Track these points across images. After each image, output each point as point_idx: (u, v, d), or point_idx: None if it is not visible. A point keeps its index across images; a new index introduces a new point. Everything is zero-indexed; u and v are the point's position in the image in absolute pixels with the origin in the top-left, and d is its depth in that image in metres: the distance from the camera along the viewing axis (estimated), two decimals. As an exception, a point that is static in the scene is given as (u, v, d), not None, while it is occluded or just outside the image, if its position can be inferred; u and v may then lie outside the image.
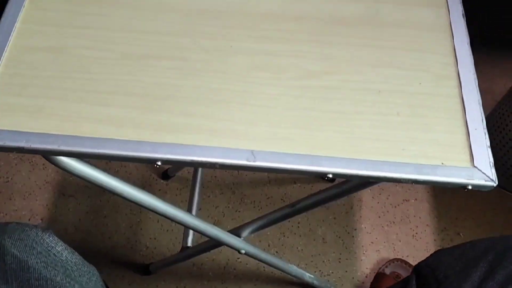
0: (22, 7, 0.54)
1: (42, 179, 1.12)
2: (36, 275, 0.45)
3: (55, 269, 0.47)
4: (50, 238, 0.50)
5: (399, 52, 0.54)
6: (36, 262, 0.46)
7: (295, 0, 0.57)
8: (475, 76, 0.53)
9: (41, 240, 0.48)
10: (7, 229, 0.48)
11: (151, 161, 0.47)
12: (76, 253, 0.52)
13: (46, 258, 0.47)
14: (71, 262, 0.50)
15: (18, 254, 0.45)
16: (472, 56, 0.54)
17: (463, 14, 0.57)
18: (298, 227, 1.09)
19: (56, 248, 0.50)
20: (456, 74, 0.53)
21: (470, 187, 0.47)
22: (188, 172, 1.13)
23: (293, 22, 0.56)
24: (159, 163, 0.47)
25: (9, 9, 0.53)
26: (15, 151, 0.46)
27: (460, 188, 0.47)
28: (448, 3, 0.58)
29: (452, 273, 0.50)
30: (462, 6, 0.57)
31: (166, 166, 1.13)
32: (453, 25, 0.56)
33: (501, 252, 0.49)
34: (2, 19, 0.52)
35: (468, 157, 0.48)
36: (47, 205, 1.09)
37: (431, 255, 0.57)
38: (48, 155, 0.48)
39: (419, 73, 0.53)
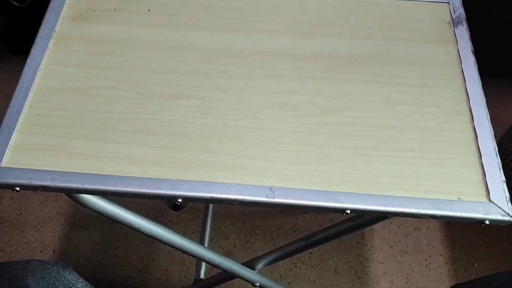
0: (47, 49, 0.56)
1: (54, 211, 1.13)
2: (60, 314, 0.45)
3: (77, 307, 0.47)
4: (71, 275, 0.50)
5: (411, 89, 0.55)
6: (59, 301, 0.46)
7: (309, 40, 0.59)
8: (487, 111, 0.54)
9: (62, 277, 0.49)
10: (29, 268, 0.48)
11: (172, 198, 0.48)
12: (96, 289, 0.53)
13: (69, 296, 0.48)
14: (91, 299, 0.51)
15: (42, 293, 0.46)
16: (482, 91, 0.55)
17: (472, 50, 0.58)
18: (310, 257, 1.09)
19: (77, 285, 0.50)
20: (468, 109, 0.54)
21: (487, 222, 0.47)
22: (199, 203, 1.14)
23: (307, 60, 0.57)
24: (180, 200, 0.48)
25: (34, 51, 0.55)
26: (41, 190, 0.47)
27: (480, 224, 0.47)
28: (457, 40, 0.59)
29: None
30: (471, 42, 0.59)
31: (178, 197, 1.14)
32: (463, 61, 0.57)
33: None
34: (28, 61, 0.54)
35: (484, 192, 0.48)
36: (58, 236, 1.09)
37: (448, 288, 0.57)
38: (72, 193, 0.49)
39: (432, 108, 0.54)
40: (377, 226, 1.14)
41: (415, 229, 1.13)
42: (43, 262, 0.50)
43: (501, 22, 1.16)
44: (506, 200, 0.48)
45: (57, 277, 0.49)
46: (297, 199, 0.48)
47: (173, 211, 1.14)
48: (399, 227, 1.14)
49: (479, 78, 0.56)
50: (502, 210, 0.47)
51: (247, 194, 0.48)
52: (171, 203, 1.15)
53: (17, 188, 0.47)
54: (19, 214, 1.12)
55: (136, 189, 0.47)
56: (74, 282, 0.51)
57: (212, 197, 0.48)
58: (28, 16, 1.15)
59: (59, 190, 0.48)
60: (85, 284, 0.52)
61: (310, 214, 1.14)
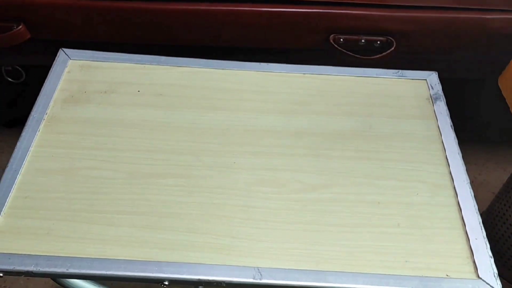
0: (38, 131, 0.57)
1: (41, 286, 1.09)
2: None
3: None
4: None
5: (394, 164, 0.57)
6: None
7: (293, 117, 0.61)
8: (469, 185, 0.55)
9: None
10: None
11: (158, 281, 0.47)
12: None
13: None
14: None
15: None
16: (464, 166, 0.56)
17: (451, 125, 0.60)
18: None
19: None
20: (451, 183, 0.55)
21: (476, 300, 0.46)
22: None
23: (292, 137, 0.59)
24: (166, 282, 0.47)
25: (25, 134, 0.56)
26: (24, 275, 0.46)
27: None
28: (437, 115, 0.61)
29: None
30: (450, 118, 0.61)
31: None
32: (443, 136, 0.59)
33: None
34: (18, 144, 0.55)
35: (472, 268, 0.48)
36: (44, 315, 1.05)
37: None
38: (57, 278, 0.49)
39: (415, 183, 0.55)
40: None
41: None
42: None
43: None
44: (495, 276, 0.48)
45: None
46: (284, 280, 0.47)
47: (163, 285, 1.11)
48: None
49: (460, 152, 0.58)
50: (491, 286, 0.47)
51: (234, 275, 0.47)
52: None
53: (0, 274, 0.47)
54: (4, 291, 1.08)
55: (122, 272, 0.47)
56: None
57: (199, 279, 0.47)
58: (24, 92, 1.18)
59: (43, 275, 0.47)
60: None
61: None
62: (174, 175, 0.55)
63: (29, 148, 0.55)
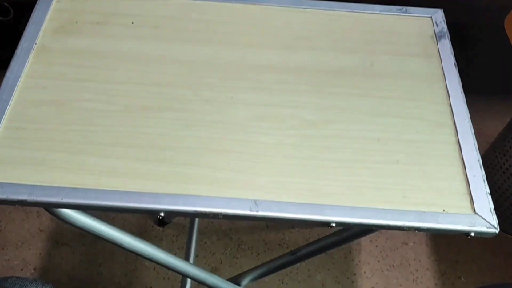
0: (27, 62, 0.55)
1: (36, 227, 1.10)
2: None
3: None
4: (50, 293, 0.49)
5: (395, 102, 0.56)
6: (36, 319, 0.45)
7: (294, 53, 0.59)
8: (471, 124, 0.54)
9: (41, 296, 0.47)
10: (7, 285, 0.47)
11: (154, 212, 0.47)
12: (76, 308, 0.51)
13: (46, 315, 0.46)
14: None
15: (18, 311, 0.44)
16: (466, 104, 0.56)
17: (455, 64, 0.59)
18: (297, 273, 1.07)
19: (56, 303, 0.49)
20: (452, 121, 0.54)
21: (472, 234, 0.47)
22: (185, 218, 1.12)
23: (292, 73, 0.57)
24: (162, 214, 0.47)
25: (14, 64, 0.54)
26: (18, 204, 0.46)
27: (465, 236, 0.47)
28: (440, 54, 0.60)
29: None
30: (454, 56, 0.60)
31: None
32: (446, 74, 0.58)
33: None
34: (7, 74, 0.53)
35: (469, 204, 0.48)
36: (40, 254, 1.06)
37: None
38: (51, 208, 0.48)
39: (416, 121, 0.54)
40: (365, 241, 1.13)
41: (402, 243, 1.13)
42: (21, 279, 0.48)
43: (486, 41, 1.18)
44: (491, 212, 0.48)
45: (35, 294, 0.47)
46: (281, 212, 0.47)
47: (158, 227, 1.12)
48: (386, 242, 1.13)
49: (462, 91, 0.57)
50: (487, 222, 0.47)
51: (230, 207, 0.47)
52: (156, 218, 1.13)
53: (-6, 203, 0.46)
54: (-1, 231, 1.09)
55: (117, 203, 0.46)
56: (52, 300, 0.49)
57: (196, 210, 0.47)
58: (10, 30, 1.14)
59: (37, 205, 0.46)
60: (64, 302, 0.50)
61: (297, 229, 1.13)
62: (171, 109, 0.53)
63: (19, 79, 0.53)
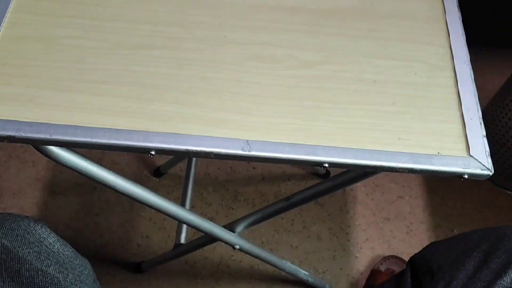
0: (12, -4, 0.53)
1: (32, 177, 1.10)
2: (28, 266, 0.44)
3: (47, 259, 0.46)
4: (43, 229, 0.49)
5: (394, 43, 0.54)
6: (28, 253, 0.45)
7: (290, -9, 0.57)
8: (470, 66, 0.53)
9: (33, 231, 0.48)
10: (-4, 220, 0.47)
11: (144, 150, 0.46)
12: (69, 246, 0.51)
13: (39, 248, 0.46)
14: (63, 254, 0.50)
15: (9, 244, 0.44)
16: (466, 47, 0.54)
17: (457, 5, 0.57)
18: (292, 224, 1.09)
19: (48, 239, 0.49)
20: (451, 64, 0.53)
21: (466, 176, 0.46)
22: (181, 169, 1.12)
23: (287, 13, 0.55)
24: (152, 152, 0.46)
25: (-1, -3, 0.52)
26: (6, 140, 0.45)
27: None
28: (443, -5, 0.58)
29: (445, 264, 0.50)
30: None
31: (159, 163, 1.12)
32: (447, 16, 0.56)
33: (495, 242, 0.49)
34: (-8, 7, 0.51)
35: (464, 146, 0.48)
36: (37, 202, 1.07)
37: (425, 247, 0.57)
38: (40, 145, 0.47)
39: (415, 63, 0.53)
40: (360, 194, 1.14)
41: (398, 197, 1.14)
42: (12, 215, 0.48)
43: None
44: (486, 154, 0.47)
45: (27, 229, 0.47)
46: (273, 152, 0.46)
47: (154, 178, 1.12)
48: (382, 195, 1.14)
49: (464, 33, 0.55)
50: (481, 164, 0.46)
51: (222, 147, 0.46)
52: (152, 169, 1.13)
53: (-19, 139, 0.45)
54: (-5, 180, 1.09)
55: (107, 140, 0.46)
56: (45, 236, 0.49)
57: (187, 149, 0.46)
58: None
59: (25, 141, 0.45)
60: (57, 239, 0.50)
61: (292, 181, 1.14)
62: (162, 47, 0.52)
63: (5, 14, 0.52)
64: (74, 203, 1.08)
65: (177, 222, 0.95)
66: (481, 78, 1.28)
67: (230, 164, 1.15)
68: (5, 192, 1.08)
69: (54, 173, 1.11)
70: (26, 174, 1.10)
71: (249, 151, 0.46)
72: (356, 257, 1.05)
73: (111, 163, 1.12)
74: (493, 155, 1.07)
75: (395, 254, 1.04)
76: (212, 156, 0.46)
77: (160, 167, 1.11)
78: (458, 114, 0.50)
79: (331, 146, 0.47)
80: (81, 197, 1.08)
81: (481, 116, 0.49)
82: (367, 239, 1.08)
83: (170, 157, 1.10)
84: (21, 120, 0.46)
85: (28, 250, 0.45)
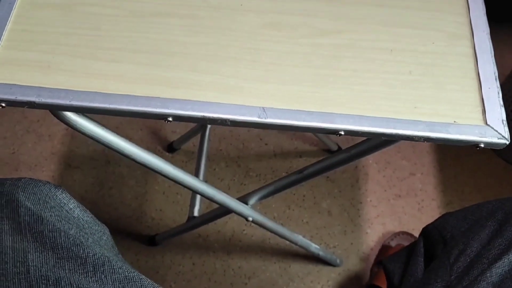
0: (30, -38, 0.53)
1: (48, 151, 1.12)
2: (50, 227, 0.45)
3: (68, 223, 0.47)
4: (63, 195, 0.50)
5: (412, 12, 0.53)
6: (50, 215, 0.46)
7: (307, -42, 0.56)
8: (489, 36, 0.52)
9: (54, 196, 0.49)
10: (20, 184, 0.48)
11: (162, 117, 0.47)
12: (88, 212, 0.52)
13: (59, 213, 0.47)
14: (83, 220, 0.51)
15: (32, 207, 0.46)
16: (486, 17, 0.53)
17: (477, -26, 0.56)
18: (304, 200, 1.09)
19: (69, 205, 0.50)
20: (470, 33, 0.52)
21: (482, 145, 0.46)
22: (194, 145, 1.13)
23: (304, -20, 0.55)
24: (170, 118, 0.47)
25: (17, -36, 0.52)
26: (27, 106, 0.46)
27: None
28: (462, -37, 0.56)
29: (459, 233, 0.50)
30: (477, -34, 0.56)
31: (171, 139, 1.13)
32: (467, -16, 0.55)
33: (510, 211, 0.49)
34: (10, -26, 0.52)
35: (480, 115, 0.47)
36: (53, 176, 1.09)
37: (438, 217, 0.57)
38: (59, 111, 0.48)
39: (432, 32, 0.52)
40: (372, 171, 1.14)
41: (409, 174, 1.14)
42: (34, 180, 0.49)
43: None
44: (503, 123, 0.47)
45: (49, 194, 0.48)
46: (290, 120, 0.46)
47: (167, 153, 1.14)
48: (394, 172, 1.14)
49: (483, 3, 0.54)
50: (498, 133, 0.46)
51: (239, 114, 0.47)
52: (166, 144, 1.14)
53: (3, 104, 0.46)
54: (12, 153, 1.11)
55: (124, 107, 0.46)
56: (65, 201, 0.50)
57: (204, 116, 0.46)
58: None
59: (45, 107, 0.46)
60: (77, 205, 0.52)
61: (304, 158, 1.14)
62: (178, 15, 0.52)
63: (23, -19, 0.52)
64: (89, 176, 1.09)
65: (190, 195, 0.96)
66: (498, 55, 1.26)
67: (242, 140, 1.16)
68: (22, 165, 1.10)
69: (70, 147, 1.12)
70: (42, 148, 1.12)
71: (265, 118, 0.46)
72: (367, 232, 1.06)
73: (126, 137, 1.13)
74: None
75: (406, 230, 1.04)
76: (229, 123, 0.47)
77: (173, 142, 1.12)
78: (475, 83, 0.49)
79: (347, 114, 0.47)
80: (96, 171, 1.10)
81: (499, 85, 0.49)
82: (378, 215, 1.08)
83: (183, 132, 1.10)
84: (40, 86, 0.46)
85: (50, 213, 0.46)
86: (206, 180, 1.09)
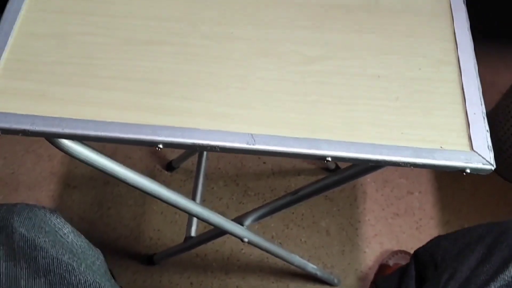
0: (27, -6, 0.54)
1: (47, 171, 1.13)
2: (43, 253, 0.45)
3: (62, 248, 0.48)
4: (58, 220, 0.50)
5: (398, 38, 0.54)
6: (44, 241, 0.47)
7: (296, -13, 0.58)
8: (475, 61, 0.53)
9: (49, 221, 0.49)
10: (15, 209, 0.49)
11: (152, 144, 0.47)
12: (82, 236, 0.53)
13: (54, 238, 0.48)
14: (77, 245, 0.51)
15: (26, 233, 0.46)
16: (472, 42, 0.54)
17: (463, 0, 0.57)
18: (302, 219, 1.10)
19: (63, 230, 0.51)
20: (456, 59, 0.53)
21: (468, 171, 0.47)
22: (192, 163, 1.14)
23: (293, 8, 0.56)
24: (160, 146, 0.48)
25: (14, -4, 0.54)
26: (21, 134, 0.47)
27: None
28: (449, -10, 0.58)
29: (449, 256, 0.50)
30: (463, -6, 0.58)
31: (170, 157, 1.14)
32: (453, 10, 0.56)
33: (498, 236, 0.50)
34: (8, 6, 0.53)
35: (466, 141, 0.48)
36: (52, 196, 1.10)
37: (429, 241, 0.58)
38: (52, 138, 0.49)
39: (419, 58, 0.53)
40: (370, 189, 1.14)
41: (407, 192, 1.14)
42: (29, 205, 0.50)
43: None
44: (489, 149, 0.47)
45: (44, 219, 0.49)
46: (277, 146, 0.47)
47: (166, 172, 1.14)
48: (391, 191, 1.14)
49: (469, 28, 0.55)
50: (483, 158, 0.47)
51: (228, 140, 0.47)
52: (165, 163, 1.15)
53: (-3, 132, 0.47)
54: (12, 173, 1.12)
55: (116, 134, 0.47)
56: (60, 226, 0.51)
57: (193, 143, 0.47)
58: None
59: (39, 135, 0.47)
60: (71, 230, 0.52)
61: (303, 176, 1.15)
62: (170, 43, 0.53)
63: (19, 11, 0.53)
64: (88, 196, 1.10)
65: (187, 215, 0.97)
66: (493, 73, 1.27)
67: (241, 158, 1.16)
68: (22, 186, 1.11)
69: (69, 167, 1.13)
70: (42, 168, 1.13)
71: (253, 145, 0.47)
72: (365, 252, 1.06)
73: (124, 157, 1.14)
74: (505, 150, 1.06)
75: (404, 249, 1.04)
76: (218, 150, 0.48)
77: (172, 161, 1.13)
78: (461, 108, 0.50)
79: (334, 140, 0.48)
80: (94, 191, 1.11)
81: (484, 111, 0.50)
82: (376, 234, 1.08)
83: (182, 151, 1.11)
84: (35, 114, 0.47)
85: (44, 239, 0.47)
86: (204, 199, 1.10)
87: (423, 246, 0.58)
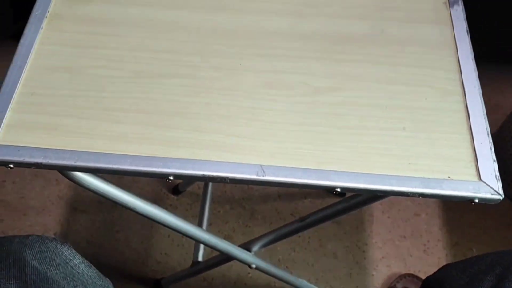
0: (41, 29, 0.56)
1: (55, 195, 1.14)
2: (56, 286, 0.46)
3: (73, 280, 0.48)
4: (69, 251, 0.51)
5: (404, 69, 0.55)
6: (56, 274, 0.47)
7: (303, 19, 0.59)
8: (480, 90, 0.53)
9: (60, 252, 0.50)
10: (27, 242, 0.49)
11: (163, 176, 0.48)
12: (93, 267, 0.53)
13: (65, 270, 0.48)
14: (87, 275, 0.52)
15: (38, 266, 0.47)
16: (476, 71, 0.55)
17: (467, 31, 0.58)
18: (309, 242, 1.09)
19: (74, 261, 0.51)
20: (461, 89, 0.54)
21: (476, 201, 0.47)
22: (199, 187, 1.15)
23: (301, 40, 0.57)
24: (171, 177, 0.48)
25: (28, 31, 0.55)
26: (34, 167, 0.48)
27: (470, 203, 0.47)
28: (453, 20, 0.59)
29: (458, 286, 0.50)
30: (466, 23, 0.59)
31: (177, 181, 1.15)
32: (457, 41, 0.57)
33: (508, 265, 0.49)
34: (21, 41, 0.55)
35: (474, 171, 0.48)
36: (60, 220, 1.11)
37: (439, 269, 0.57)
38: (65, 171, 0.50)
39: (425, 88, 0.54)
40: (377, 212, 1.14)
41: (414, 214, 1.14)
42: (41, 237, 0.51)
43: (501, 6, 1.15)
44: (496, 178, 0.48)
45: (55, 251, 0.50)
46: (287, 177, 0.48)
47: (173, 196, 1.15)
48: (398, 213, 1.14)
49: (473, 58, 0.56)
50: (492, 188, 0.47)
51: (238, 172, 0.48)
52: (171, 187, 1.15)
53: (11, 165, 0.48)
54: (21, 198, 1.13)
55: (128, 167, 0.48)
56: (71, 258, 0.51)
57: (203, 174, 0.48)
58: (27, 2, 1.15)
59: (52, 168, 0.48)
60: (82, 261, 0.53)
61: (309, 199, 1.15)
62: (180, 75, 0.54)
63: (32, 45, 0.55)
64: (95, 220, 1.10)
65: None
66: (498, 95, 1.27)
67: (247, 181, 1.17)
68: (30, 209, 1.12)
69: (76, 191, 1.14)
70: (50, 192, 1.14)
71: (263, 176, 0.48)
72: (373, 275, 1.05)
73: (132, 181, 1.15)
74: (511, 171, 1.06)
75: (412, 272, 1.03)
76: (228, 181, 0.48)
77: (178, 185, 1.14)
78: (468, 138, 0.50)
79: (343, 171, 0.48)
80: (102, 215, 1.11)
81: (491, 140, 0.50)
82: (383, 257, 1.08)
83: (188, 175, 1.12)
84: (47, 147, 0.48)
85: (56, 272, 0.47)
86: (210, 223, 1.10)
87: (433, 275, 0.58)
